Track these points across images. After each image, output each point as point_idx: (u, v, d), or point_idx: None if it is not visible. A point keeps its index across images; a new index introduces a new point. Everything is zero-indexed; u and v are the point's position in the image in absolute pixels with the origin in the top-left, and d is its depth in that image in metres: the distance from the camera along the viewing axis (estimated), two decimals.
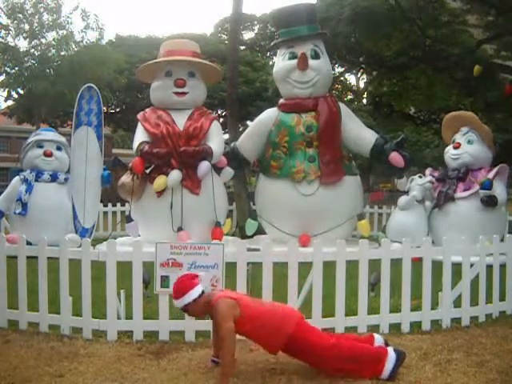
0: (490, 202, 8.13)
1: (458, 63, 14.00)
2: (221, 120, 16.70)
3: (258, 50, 25.60)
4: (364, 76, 25.60)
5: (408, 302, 4.77)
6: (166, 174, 8.34)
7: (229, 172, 9.20)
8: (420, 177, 8.82)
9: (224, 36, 24.38)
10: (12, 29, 18.33)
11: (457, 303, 4.96)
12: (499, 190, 8.22)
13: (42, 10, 18.38)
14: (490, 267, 5.14)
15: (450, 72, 15.09)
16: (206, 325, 4.36)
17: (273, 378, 3.67)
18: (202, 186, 8.55)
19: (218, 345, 3.74)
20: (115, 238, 7.06)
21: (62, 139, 9.46)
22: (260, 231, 9.43)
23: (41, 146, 9.11)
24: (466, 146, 8.62)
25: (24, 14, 18.20)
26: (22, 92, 19.18)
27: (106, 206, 11.38)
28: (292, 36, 9.15)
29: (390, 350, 3.75)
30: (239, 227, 10.63)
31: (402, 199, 8.70)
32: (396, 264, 4.78)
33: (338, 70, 22.55)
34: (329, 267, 4.68)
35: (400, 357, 3.71)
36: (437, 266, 4.90)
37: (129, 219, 8.63)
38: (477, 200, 8.25)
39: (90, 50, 18.08)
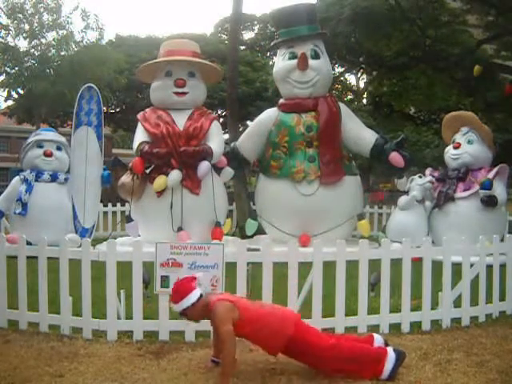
0: (490, 202, 8.13)
1: (458, 63, 14.00)
2: (221, 120, 16.70)
3: (258, 50, 25.60)
4: (364, 76, 25.61)
5: (408, 302, 4.77)
6: (166, 174, 8.34)
7: (229, 172, 9.20)
8: (420, 177, 8.82)
9: (224, 36, 24.38)
10: (12, 29, 18.34)
11: (457, 303, 4.96)
12: (499, 190, 8.22)
13: (42, 9, 18.39)
14: (490, 267, 5.14)
15: (450, 72, 15.09)
16: (206, 325, 4.33)
17: (273, 377, 3.68)
18: (202, 186, 8.55)
19: (218, 345, 3.74)
20: (115, 238, 7.05)
21: (62, 139, 9.46)
22: (260, 231, 9.43)
23: (41, 146, 9.11)
24: (465, 145, 8.62)
25: (24, 14, 18.21)
26: (22, 92, 19.19)
27: (106, 206, 11.38)
28: (292, 36, 9.15)
29: (390, 350, 3.75)
30: (239, 227, 10.63)
31: (402, 199, 8.70)
32: (396, 264, 4.78)
33: (338, 70, 22.56)
34: (329, 267, 4.68)
35: (400, 357, 3.72)
36: (437, 266, 4.90)
37: (129, 219, 8.63)
38: (477, 200, 8.25)
39: (89, 50, 18.09)
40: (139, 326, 4.51)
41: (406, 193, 8.73)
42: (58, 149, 9.22)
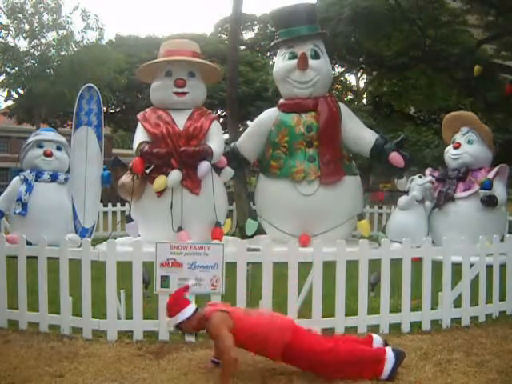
0: (490, 202, 8.13)
1: (458, 63, 14.00)
2: (221, 120, 16.70)
3: (258, 50, 25.59)
4: (364, 76, 25.60)
5: (408, 302, 4.77)
6: (166, 174, 8.34)
7: (229, 172, 9.20)
8: (420, 177, 8.82)
9: (224, 36, 24.37)
10: (12, 29, 18.32)
11: (457, 303, 4.96)
12: (499, 190, 8.22)
13: (42, 9, 18.37)
14: (490, 267, 5.14)
15: (450, 72, 15.09)
16: None
17: (273, 378, 3.68)
18: (202, 186, 8.55)
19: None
20: (115, 238, 7.05)
21: (62, 139, 9.47)
22: (260, 231, 9.43)
23: (41, 146, 9.12)
24: (466, 145, 8.62)
25: (24, 14, 18.19)
26: (22, 92, 19.18)
27: (106, 206, 11.38)
28: (292, 36, 9.15)
29: (389, 350, 3.76)
30: (239, 227, 10.63)
31: (402, 199, 8.70)
32: (396, 264, 4.78)
33: (338, 69, 22.55)
34: (329, 267, 4.68)
35: (399, 356, 3.72)
36: (437, 266, 4.91)
37: (129, 219, 8.63)
38: (477, 200, 8.25)
39: (89, 50, 18.08)
40: (139, 326, 4.51)
41: (406, 193, 8.73)
42: (58, 149, 9.22)
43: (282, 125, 9.08)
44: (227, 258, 4.50)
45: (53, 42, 18.46)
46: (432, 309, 4.86)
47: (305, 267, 4.65)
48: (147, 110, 9.10)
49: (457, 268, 4.96)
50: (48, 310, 4.66)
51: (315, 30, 9.36)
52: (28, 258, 4.76)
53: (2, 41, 18.36)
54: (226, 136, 12.33)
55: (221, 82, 13.42)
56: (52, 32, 18.54)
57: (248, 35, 26.69)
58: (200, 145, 8.45)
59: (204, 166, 8.29)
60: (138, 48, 20.87)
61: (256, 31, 26.72)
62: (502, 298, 5.20)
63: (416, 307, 4.85)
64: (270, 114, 9.44)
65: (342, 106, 9.50)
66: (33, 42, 18.49)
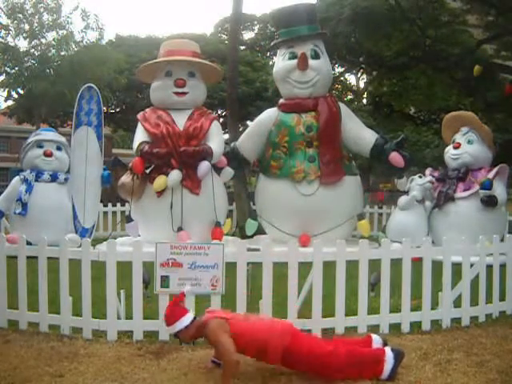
0: (490, 202, 8.13)
1: (458, 63, 14.00)
2: (221, 120, 16.70)
3: (258, 50, 25.59)
4: (364, 76, 25.60)
5: (408, 302, 4.77)
6: (166, 174, 8.34)
7: (229, 172, 9.20)
8: (420, 177, 8.82)
9: (224, 36, 24.36)
10: (12, 29, 18.32)
11: (457, 303, 4.96)
12: (499, 190, 8.22)
13: (42, 9, 18.37)
14: (490, 267, 5.14)
15: (450, 72, 15.09)
16: None
17: (273, 378, 3.68)
18: (202, 186, 8.54)
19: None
20: (115, 238, 7.05)
21: (62, 139, 9.47)
22: (260, 231, 9.43)
23: (41, 146, 9.12)
24: (466, 145, 8.62)
25: (24, 14, 18.19)
26: (22, 92, 19.17)
27: (106, 206, 11.38)
28: (292, 36, 9.15)
29: (388, 350, 3.76)
30: (239, 227, 10.63)
31: (402, 199, 8.70)
32: (396, 264, 4.78)
33: (338, 70, 22.55)
34: (329, 267, 4.68)
35: (398, 356, 3.72)
36: (437, 266, 4.91)
37: (129, 219, 8.63)
38: (477, 200, 8.25)
39: (89, 50, 18.08)
40: (139, 326, 4.51)
41: (406, 193, 8.73)
42: (58, 149, 9.22)
43: (282, 125, 9.08)
44: (227, 258, 4.49)
45: (53, 42, 18.46)
46: (432, 309, 4.86)
47: (305, 267, 4.65)
48: (147, 110, 9.10)
49: (457, 268, 4.96)
50: (48, 309, 4.66)
51: (315, 30, 9.36)
52: (28, 257, 4.76)
53: (2, 41, 18.37)
54: (226, 136, 12.33)
55: (221, 82, 13.42)
56: (52, 32, 18.55)
57: (248, 35, 26.74)
58: (200, 145, 8.45)
59: (204, 165, 8.29)
60: (138, 48, 20.86)
61: (256, 31, 26.72)
62: (502, 297, 5.20)
63: (416, 307, 4.85)
64: (269, 114, 9.44)
65: (342, 106, 9.50)
66: (33, 42, 18.49)
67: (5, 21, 18.41)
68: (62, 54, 18.38)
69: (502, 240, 5.56)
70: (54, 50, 18.52)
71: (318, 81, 9.07)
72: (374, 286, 5.29)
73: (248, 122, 19.50)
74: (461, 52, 14.27)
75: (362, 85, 26.49)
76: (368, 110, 20.22)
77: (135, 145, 8.70)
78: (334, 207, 8.73)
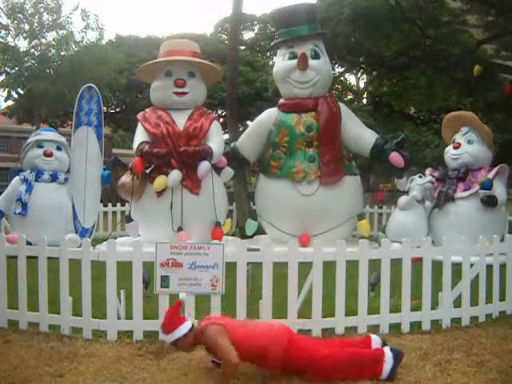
0: (490, 202, 8.13)
1: (458, 63, 14.00)
2: (221, 120, 16.70)
3: (258, 50, 25.59)
4: (364, 76, 25.61)
5: (408, 302, 4.77)
6: (166, 174, 8.34)
7: (229, 172, 9.20)
8: (420, 177, 8.82)
9: (224, 36, 24.36)
10: (12, 29, 18.32)
11: (457, 303, 4.96)
12: (499, 190, 8.22)
13: (42, 9, 18.37)
14: (490, 267, 5.14)
15: (450, 72, 15.09)
16: None
17: (273, 378, 3.67)
18: (202, 186, 8.54)
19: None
20: (115, 238, 7.05)
21: (62, 139, 9.47)
22: (260, 231, 9.43)
23: (41, 146, 9.12)
24: (466, 145, 8.62)
25: (24, 13, 18.19)
26: (22, 92, 19.18)
27: (106, 206, 11.38)
28: (292, 36, 9.15)
29: (387, 350, 3.75)
30: (239, 227, 10.63)
31: (402, 199, 8.70)
32: (396, 264, 4.78)
33: (338, 70, 22.55)
34: (329, 267, 4.68)
35: (397, 356, 3.72)
36: (437, 266, 4.90)
37: (129, 219, 8.63)
38: (477, 200, 8.25)
39: (89, 50, 18.08)
40: (139, 326, 4.51)
41: (406, 193, 8.73)
42: (58, 149, 9.22)
43: (282, 125, 9.08)
44: (227, 258, 4.49)
45: (53, 42, 18.47)
46: (432, 309, 4.86)
47: (305, 267, 4.65)
48: (147, 110, 9.10)
49: (457, 268, 4.96)
50: (48, 309, 4.65)
51: (315, 30, 9.36)
52: (28, 257, 4.76)
53: (2, 41, 18.37)
54: (226, 136, 12.33)
55: (221, 82, 13.42)
56: (52, 32, 18.56)
57: (248, 35, 26.73)
58: (200, 145, 8.46)
59: (204, 166, 8.29)
60: (138, 48, 20.86)
61: (256, 31, 26.72)
62: (502, 298, 5.20)
63: (416, 307, 4.85)
64: (269, 114, 9.44)
65: (342, 106, 9.50)
66: (33, 42, 18.49)
67: (5, 21, 18.45)
68: (62, 54, 18.38)
69: (502, 240, 5.56)
70: (53, 50, 18.52)
71: (318, 81, 9.07)
72: (374, 285, 5.29)
73: (248, 122, 19.50)
74: (461, 52, 14.27)
75: (362, 85, 26.53)
76: (368, 110, 20.22)
77: (135, 145, 8.70)
78: (334, 207, 8.73)
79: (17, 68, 18.28)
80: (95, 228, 8.28)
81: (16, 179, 8.94)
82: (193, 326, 3.73)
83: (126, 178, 8.72)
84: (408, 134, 15.86)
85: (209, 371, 3.78)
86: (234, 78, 11.88)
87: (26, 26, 18.31)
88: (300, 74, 9.01)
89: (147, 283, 4.91)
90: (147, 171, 8.69)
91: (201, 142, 8.54)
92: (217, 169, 8.94)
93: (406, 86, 18.86)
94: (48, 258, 4.69)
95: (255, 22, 26.32)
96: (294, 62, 9.01)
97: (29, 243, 4.93)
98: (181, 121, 8.67)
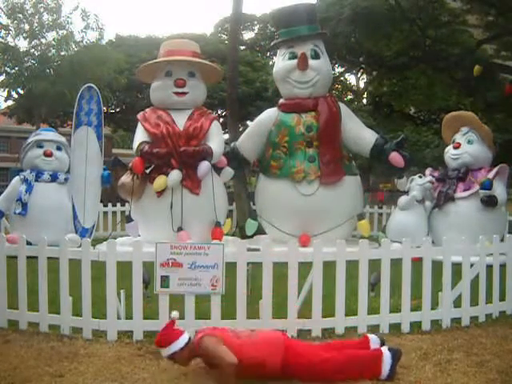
0: (490, 202, 8.13)
1: (458, 63, 14.00)
2: (221, 120, 16.70)
3: (258, 50, 25.59)
4: (364, 76, 25.60)
5: (408, 302, 4.77)
6: (166, 174, 8.34)
7: (229, 172, 9.20)
8: (420, 177, 8.82)
9: (224, 36, 24.35)
10: (12, 29, 18.33)
11: (457, 303, 4.96)
12: (499, 190, 8.22)
13: (42, 9, 18.38)
14: (490, 267, 5.14)
15: (450, 72, 15.09)
16: (206, 325, 4.35)
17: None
18: (202, 186, 8.54)
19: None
20: (115, 238, 7.05)
21: (62, 139, 9.46)
22: (260, 231, 9.43)
23: (41, 146, 9.11)
24: (466, 145, 8.62)
25: (24, 14, 18.20)
26: (22, 92, 19.18)
27: (106, 206, 11.37)
28: (292, 36, 9.14)
29: (385, 350, 3.75)
30: (239, 227, 10.63)
31: (402, 199, 8.70)
32: (396, 264, 4.78)
33: (338, 70, 22.54)
34: (329, 267, 4.68)
35: (396, 355, 3.71)
36: (437, 266, 4.90)
37: (129, 219, 8.63)
38: (477, 200, 8.25)
39: (89, 50, 18.09)
40: (139, 326, 4.50)
41: (406, 193, 8.73)
42: (58, 149, 9.22)
43: (282, 125, 9.08)
44: (227, 258, 4.49)
45: (53, 42, 18.47)
46: (432, 309, 4.86)
47: (305, 267, 4.65)
48: (147, 110, 9.10)
49: (457, 268, 4.96)
50: (48, 309, 4.65)
51: (315, 30, 9.36)
52: (28, 257, 4.76)
53: (2, 41, 18.37)
54: (226, 136, 12.32)
55: (221, 82, 13.42)
56: (52, 32, 18.57)
57: (248, 35, 26.73)
58: (200, 145, 8.45)
59: (204, 166, 8.29)
60: (138, 48, 20.86)
61: (256, 31, 26.71)
62: (502, 298, 5.20)
63: (416, 307, 4.85)
64: (270, 114, 9.44)
65: (342, 106, 9.50)
66: (33, 42, 18.50)
67: (5, 21, 18.46)
68: (62, 54, 18.39)
69: (502, 240, 5.56)
70: (53, 50, 18.53)
71: (318, 81, 9.07)
72: (374, 285, 5.28)
73: (248, 122, 19.50)
74: (461, 52, 14.28)
75: (362, 85, 26.53)
76: (368, 109, 20.21)
77: (135, 145, 8.70)
78: (334, 207, 8.73)
79: (17, 68, 18.28)
80: (95, 228, 8.29)
81: (16, 179, 8.93)
82: (190, 338, 3.67)
83: (125, 178, 8.72)
84: (408, 133, 15.85)
85: (209, 371, 3.78)
86: (234, 77, 11.88)
87: (26, 26, 18.32)
88: (300, 74, 9.01)
89: (147, 283, 4.91)
90: (147, 171, 8.69)
91: (201, 141, 8.54)
92: (217, 169, 8.94)
93: (406, 86, 18.86)
94: (48, 257, 4.69)
95: (255, 22, 26.31)
96: (294, 61, 9.01)
97: (29, 243, 4.93)
98: (181, 121, 8.67)
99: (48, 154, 9.00)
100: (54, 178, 8.93)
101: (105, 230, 11.17)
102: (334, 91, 21.54)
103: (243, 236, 9.58)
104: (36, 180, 8.82)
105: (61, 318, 4.61)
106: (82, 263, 4.56)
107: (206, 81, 9.44)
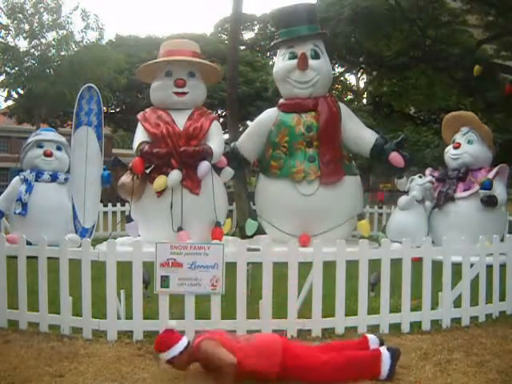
0: (490, 202, 8.13)
1: (458, 63, 14.00)
2: (221, 120, 16.70)
3: (258, 50, 25.59)
4: (364, 76, 25.60)
5: (408, 302, 4.77)
6: (166, 174, 8.34)
7: (229, 172, 9.20)
8: (420, 177, 8.82)
9: (224, 36, 24.36)
10: (12, 29, 18.33)
11: (457, 303, 4.96)
12: (499, 190, 8.22)
13: (42, 9, 18.37)
14: (490, 267, 5.14)
15: (450, 72, 15.09)
16: (206, 325, 4.36)
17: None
18: (202, 186, 8.54)
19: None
20: (115, 238, 7.05)
21: (62, 139, 9.46)
22: (260, 231, 9.43)
23: (41, 146, 9.11)
24: (466, 146, 8.62)
25: (24, 13, 18.19)
26: (22, 92, 19.18)
27: (106, 206, 11.37)
28: (292, 36, 9.14)
29: (384, 350, 3.75)
30: (239, 227, 10.63)
31: (402, 199, 8.70)
32: (396, 264, 4.78)
33: (338, 70, 22.54)
34: (329, 267, 4.68)
35: (394, 355, 3.71)
36: (437, 266, 4.90)
37: (129, 219, 8.63)
38: (477, 200, 8.25)
39: (89, 50, 18.08)
40: (139, 326, 4.50)
41: (406, 193, 8.73)
42: (58, 149, 9.22)
43: (282, 125, 9.08)
44: (227, 258, 4.49)
45: (53, 42, 18.47)
46: (432, 309, 4.86)
47: (305, 267, 4.65)
48: (147, 110, 9.10)
49: (457, 268, 4.96)
50: (48, 310, 4.65)
51: (315, 30, 9.36)
52: (28, 257, 4.76)
53: (2, 41, 18.37)
54: (226, 136, 12.33)
55: (221, 82, 13.42)
56: (52, 32, 18.56)
57: (248, 35, 26.74)
58: (200, 145, 8.45)
59: (204, 166, 8.29)
60: (138, 48, 20.86)
61: (256, 31, 26.72)
62: (502, 298, 5.20)
63: (416, 307, 4.85)
64: (270, 114, 9.44)
65: (342, 106, 9.50)
66: (33, 42, 18.49)
67: (5, 21, 18.45)
68: (62, 54, 18.38)
69: (502, 240, 5.56)
70: (53, 50, 18.52)
71: (318, 81, 9.07)
72: (374, 285, 5.29)
73: (248, 122, 19.50)
74: (461, 52, 14.27)
75: (362, 85, 26.53)
76: (368, 109, 20.21)
77: (135, 145, 8.70)
78: (334, 207, 8.73)
79: (17, 68, 18.28)
80: (95, 228, 8.29)
81: (16, 179, 8.93)
82: (189, 343, 3.67)
83: (125, 178, 8.72)
84: (408, 133, 15.85)
85: (209, 371, 3.77)
86: (234, 78, 11.88)
87: (26, 26, 18.31)
88: (300, 74, 9.01)
89: (147, 283, 4.91)
90: (147, 171, 8.69)
91: (201, 142, 8.54)
92: (217, 169, 8.94)
93: (406, 86, 18.86)
94: (48, 257, 4.69)
95: (255, 22, 26.32)
96: (294, 61, 9.01)
97: (29, 243, 4.93)
98: (181, 121, 8.67)
99: (48, 154, 9.00)
100: (53, 178, 8.93)
101: (105, 229, 11.17)
102: (334, 91, 21.54)
103: (243, 236, 9.58)
104: (36, 180, 8.82)
105: (61, 317, 4.61)
106: (82, 263, 4.56)
107: (206, 81, 9.44)
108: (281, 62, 9.36)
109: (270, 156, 9.20)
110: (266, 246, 4.66)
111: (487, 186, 8.12)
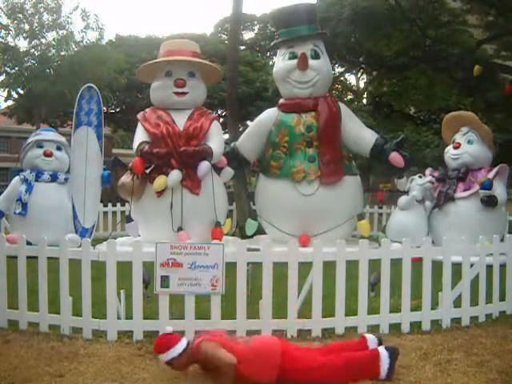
0: (490, 202, 8.13)
1: (458, 63, 14.01)
2: (221, 120, 16.70)
3: (258, 50, 25.59)
4: (364, 76, 25.61)
5: (408, 302, 4.77)
6: (166, 174, 8.34)
7: (229, 172, 9.20)
8: (420, 177, 8.81)
9: (224, 36, 24.36)
10: (12, 29, 18.32)
11: (457, 303, 4.96)
12: (499, 190, 8.22)
13: (42, 9, 18.37)
14: (490, 267, 5.14)
15: (450, 72, 15.09)
16: (206, 325, 4.36)
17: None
18: (202, 186, 8.54)
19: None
20: (115, 238, 7.05)
21: (62, 139, 9.46)
22: (260, 231, 9.43)
23: (41, 146, 9.11)
24: (466, 146, 8.62)
25: (24, 13, 18.19)
26: (22, 92, 19.18)
27: (106, 206, 11.37)
28: (292, 36, 9.14)
29: (382, 349, 3.75)
30: (239, 227, 10.63)
31: (402, 199, 8.70)
32: (396, 264, 4.78)
33: (338, 70, 22.54)
34: (329, 267, 4.68)
35: (393, 354, 3.71)
36: (437, 266, 4.90)
37: (129, 219, 8.63)
38: (477, 200, 8.24)
39: (89, 50, 18.09)
40: (139, 326, 4.50)
41: (406, 193, 8.73)
42: (58, 149, 9.22)
43: (282, 125, 9.08)
44: (227, 258, 4.49)
45: (53, 42, 18.47)
46: (432, 309, 4.86)
47: (305, 267, 4.65)
48: (147, 110, 9.10)
49: (457, 268, 4.96)
50: (48, 309, 4.65)
51: (315, 30, 9.36)
52: (28, 257, 4.76)
53: (2, 41, 18.37)
54: (226, 136, 12.33)
55: (221, 82, 13.42)
56: (52, 32, 18.56)
57: (248, 35, 26.74)
58: (200, 145, 8.45)
59: (204, 166, 8.29)
60: (138, 48, 20.87)
61: (256, 31, 26.72)
62: (502, 298, 5.20)
63: (416, 307, 4.85)
64: (270, 114, 9.44)
65: (342, 106, 9.50)
66: (33, 42, 18.49)
67: (5, 21, 18.45)
68: (62, 54, 18.38)
69: (502, 240, 5.56)
70: (53, 50, 18.52)
71: (318, 81, 9.07)
72: (374, 285, 5.28)
73: (248, 122, 19.50)
74: (461, 52, 14.27)
75: (362, 85, 26.53)
76: (368, 109, 20.21)
77: (135, 145, 8.70)
78: (334, 207, 8.73)
79: (17, 68, 18.27)
80: (95, 228, 8.29)
81: (16, 179, 8.93)
82: (188, 344, 3.66)
83: (126, 178, 8.72)
84: (408, 133, 15.85)
85: (209, 371, 3.77)
86: (234, 78, 11.88)
87: (26, 26, 18.31)
88: (300, 74, 9.01)
89: (147, 283, 4.91)
90: (147, 171, 8.69)
91: (201, 142, 8.54)
92: (217, 169, 8.94)
93: (406, 86, 18.86)
94: (48, 257, 4.69)
95: (255, 22, 26.32)
96: (294, 61, 9.01)
97: (29, 243, 4.93)
98: (181, 121, 8.67)
99: (48, 154, 9.00)
100: (54, 177, 8.93)
101: (105, 229, 11.17)
102: (334, 91, 21.53)
103: (243, 236, 9.58)
104: (36, 180, 8.82)
105: (61, 317, 4.61)
106: (82, 263, 4.56)
107: (206, 81, 9.45)
108: (281, 61, 9.36)
109: (269, 156, 9.20)
110: (266, 246, 4.66)
111: (487, 186, 8.12)
